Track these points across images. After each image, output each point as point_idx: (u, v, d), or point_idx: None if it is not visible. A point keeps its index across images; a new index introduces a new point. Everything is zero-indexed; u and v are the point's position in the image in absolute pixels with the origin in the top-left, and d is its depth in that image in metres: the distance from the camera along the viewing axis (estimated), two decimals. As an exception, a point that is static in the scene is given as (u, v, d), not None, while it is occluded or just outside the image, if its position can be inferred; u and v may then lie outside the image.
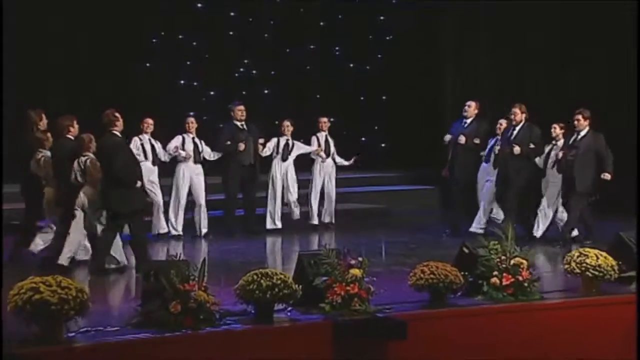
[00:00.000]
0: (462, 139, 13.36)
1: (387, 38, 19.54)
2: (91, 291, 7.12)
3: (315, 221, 14.41)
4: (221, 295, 7.64)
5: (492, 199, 13.26)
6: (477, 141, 13.41)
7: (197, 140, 13.61)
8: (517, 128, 12.84)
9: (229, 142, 13.63)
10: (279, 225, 14.07)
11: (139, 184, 10.50)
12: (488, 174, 13.28)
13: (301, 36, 18.93)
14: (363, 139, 19.66)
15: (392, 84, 19.38)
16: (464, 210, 13.51)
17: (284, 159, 14.16)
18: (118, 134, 10.49)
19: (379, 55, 19.64)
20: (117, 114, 10.50)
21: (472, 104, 13.64)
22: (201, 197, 13.50)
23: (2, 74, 11.25)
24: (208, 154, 13.71)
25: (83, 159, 10.59)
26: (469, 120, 13.58)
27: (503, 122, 13.28)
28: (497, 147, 13.09)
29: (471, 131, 13.45)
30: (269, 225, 14.05)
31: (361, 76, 19.49)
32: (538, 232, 12.68)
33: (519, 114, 12.86)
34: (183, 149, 13.39)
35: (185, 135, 13.54)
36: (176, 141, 13.44)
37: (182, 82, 17.99)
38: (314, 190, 14.45)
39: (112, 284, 9.93)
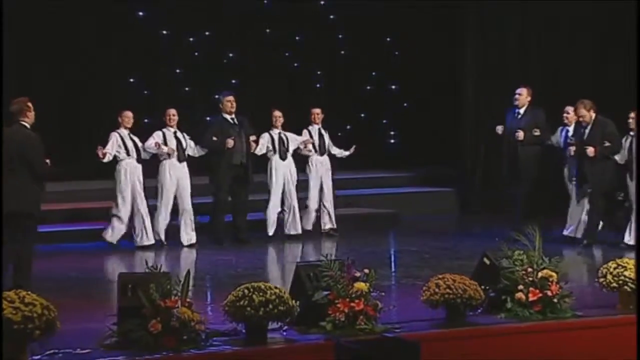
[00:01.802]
0: (519, 135, 13.42)
1: (397, 18, 19.50)
2: (59, 308, 7.11)
3: (310, 227, 14.40)
4: (207, 313, 7.64)
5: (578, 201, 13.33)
6: (537, 132, 13.48)
7: (179, 134, 13.61)
8: (589, 128, 12.94)
9: (215, 138, 13.61)
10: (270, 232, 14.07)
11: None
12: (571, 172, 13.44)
13: (298, 17, 18.91)
14: (369, 134, 19.64)
15: (402, 71, 19.36)
16: (525, 213, 13.51)
17: (284, 158, 14.13)
18: (28, 126, 10.18)
19: (388, 39, 19.62)
20: (30, 104, 10.31)
21: (524, 91, 13.70)
22: (187, 202, 13.50)
23: (2, 74, 11.24)
24: (192, 149, 13.71)
25: None
26: (522, 110, 13.64)
27: (570, 110, 13.33)
28: (573, 149, 13.16)
29: (528, 123, 13.53)
30: (270, 231, 14.06)
31: (367, 62, 19.47)
32: (630, 239, 12.72)
33: (587, 116, 12.96)
34: (165, 145, 13.39)
35: (165, 130, 13.53)
36: (156, 137, 13.43)
37: (162, 70, 17.98)
38: (311, 192, 14.40)
39: (83, 300, 9.93)
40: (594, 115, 13.01)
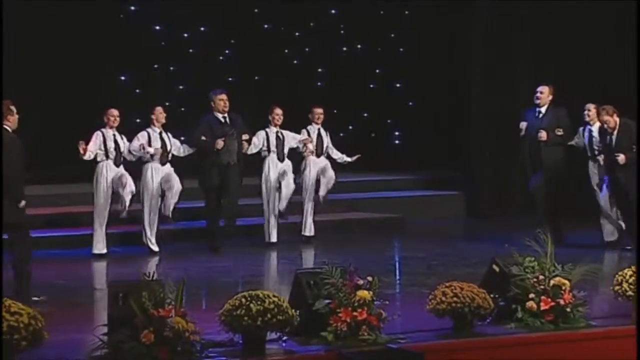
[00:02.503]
0: (542, 136, 13.49)
1: (406, 13, 19.49)
2: (46, 317, 7.12)
3: (310, 232, 14.36)
4: (203, 323, 7.64)
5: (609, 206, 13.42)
6: (559, 132, 13.54)
7: (164, 135, 13.57)
8: (615, 134, 12.97)
9: (204, 137, 13.57)
10: (274, 239, 14.07)
11: (23, 203, 10.15)
12: (595, 174, 13.47)
13: (298, 11, 18.91)
14: (373, 134, 19.65)
15: (407, 68, 19.36)
16: (549, 214, 13.57)
17: (281, 159, 14.10)
18: (10, 129, 10.20)
19: (392, 35, 19.63)
20: (13, 107, 10.27)
21: (545, 89, 13.77)
22: (175, 181, 13.41)
23: (2, 74, 11.31)
24: (177, 148, 13.66)
25: None
26: (543, 109, 13.69)
27: (591, 107, 13.38)
28: (602, 158, 13.20)
29: (550, 122, 13.58)
30: (270, 238, 14.04)
31: (370, 59, 19.47)
32: None
33: (612, 121, 12.97)
34: (150, 146, 13.33)
35: (150, 130, 13.47)
36: (141, 138, 13.36)
37: (155, 66, 17.98)
38: (308, 195, 14.36)
39: (71, 309, 9.93)
40: (617, 119, 13.02)
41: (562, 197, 13.78)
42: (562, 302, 8.47)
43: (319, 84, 19.20)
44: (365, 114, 19.55)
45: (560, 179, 13.67)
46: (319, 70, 19.32)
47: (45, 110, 16.38)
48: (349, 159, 14.67)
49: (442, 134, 18.35)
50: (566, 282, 8.54)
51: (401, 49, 19.55)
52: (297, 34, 19.09)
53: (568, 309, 8.50)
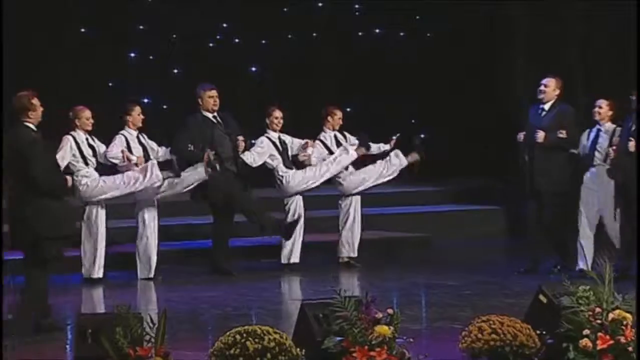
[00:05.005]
0: (539, 136, 13.35)
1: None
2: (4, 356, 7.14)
3: (345, 254, 14.48)
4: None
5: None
6: (562, 134, 13.37)
7: (142, 139, 13.59)
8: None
9: (192, 147, 13.56)
10: (297, 259, 14.23)
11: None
12: (594, 183, 13.28)
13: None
14: (393, 137, 19.64)
15: (437, 59, 19.38)
16: (550, 237, 13.54)
17: (289, 166, 14.16)
18: (33, 126, 10.44)
19: (418, 17, 19.67)
20: (35, 100, 10.47)
21: (551, 81, 13.56)
22: (151, 218, 13.50)
23: (2, 73, 11.43)
24: (154, 152, 13.67)
25: None
26: (547, 106, 13.56)
27: (603, 104, 13.26)
28: (609, 147, 13.07)
29: (552, 121, 13.44)
30: (284, 259, 14.24)
31: (393, 47, 19.50)
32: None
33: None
34: (131, 154, 13.35)
35: (126, 134, 13.48)
36: (119, 144, 13.37)
37: (132, 55, 18.04)
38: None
39: (31, 348, 9.95)
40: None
41: (561, 215, 13.57)
42: (623, 339, 8.46)
43: (328, 77, 19.23)
44: (383, 113, 19.56)
45: (562, 190, 13.48)
46: (329, 60, 19.36)
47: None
48: (386, 146, 14.79)
49: (477, 137, 18.35)
50: (628, 315, 8.54)
51: (428, 35, 19.58)
52: (301, 14, 19.12)
53: (630, 348, 8.50)
